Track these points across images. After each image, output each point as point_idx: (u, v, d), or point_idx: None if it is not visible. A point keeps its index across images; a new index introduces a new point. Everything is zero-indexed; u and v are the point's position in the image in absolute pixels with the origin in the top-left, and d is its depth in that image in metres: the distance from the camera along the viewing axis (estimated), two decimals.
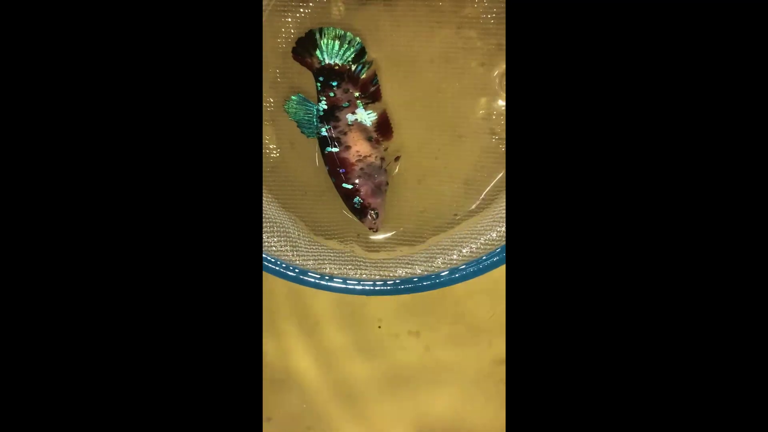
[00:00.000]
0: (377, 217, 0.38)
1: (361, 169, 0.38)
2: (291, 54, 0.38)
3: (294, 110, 0.38)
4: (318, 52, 0.37)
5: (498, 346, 0.43)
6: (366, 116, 0.38)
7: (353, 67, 0.38)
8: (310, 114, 0.38)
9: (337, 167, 0.38)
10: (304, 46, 0.38)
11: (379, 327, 0.43)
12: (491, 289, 0.43)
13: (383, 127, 0.38)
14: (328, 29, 0.37)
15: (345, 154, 0.37)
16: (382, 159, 0.38)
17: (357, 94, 0.38)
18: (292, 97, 0.38)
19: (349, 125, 0.38)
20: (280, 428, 0.44)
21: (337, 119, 0.38)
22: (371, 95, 0.38)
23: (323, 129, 0.37)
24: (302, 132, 0.38)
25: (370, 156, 0.38)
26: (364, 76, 0.38)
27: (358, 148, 0.38)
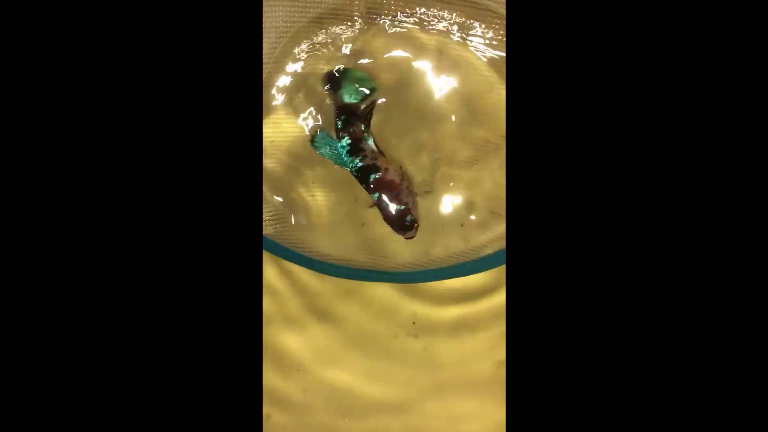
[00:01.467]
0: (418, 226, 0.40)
1: (407, 187, 0.40)
2: (323, 78, 0.41)
3: (321, 149, 0.40)
4: (342, 91, 0.41)
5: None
6: (372, 143, 0.41)
7: (362, 106, 0.41)
8: (335, 150, 0.40)
9: (389, 190, 0.39)
10: (335, 81, 0.41)
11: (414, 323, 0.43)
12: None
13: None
14: (352, 71, 0.41)
15: (389, 176, 0.39)
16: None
17: (363, 127, 0.41)
18: (317, 136, 0.41)
19: (373, 151, 0.40)
20: (280, 425, 0.44)
21: (363, 149, 0.40)
22: (368, 123, 0.41)
23: (357, 160, 0.39)
24: (339, 165, 0.40)
25: (405, 173, 0.40)
26: (365, 111, 0.41)
27: (390, 167, 0.40)
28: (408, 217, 0.39)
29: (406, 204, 0.39)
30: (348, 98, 0.41)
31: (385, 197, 0.39)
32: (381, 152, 0.40)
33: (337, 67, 0.41)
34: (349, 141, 0.40)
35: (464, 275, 0.39)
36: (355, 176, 0.40)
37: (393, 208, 0.39)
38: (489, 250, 0.39)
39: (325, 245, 0.41)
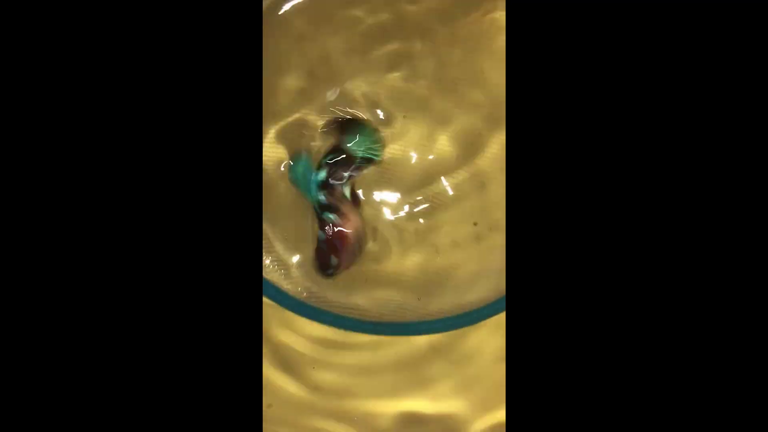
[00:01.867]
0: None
1: (354, 251, 0.39)
2: (330, 115, 0.41)
3: (296, 170, 0.40)
4: (350, 139, 0.40)
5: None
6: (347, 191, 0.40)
7: (358, 162, 0.40)
8: (308, 178, 0.40)
9: (334, 242, 0.39)
10: (343, 127, 0.40)
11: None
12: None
13: (355, 198, 0.41)
14: (370, 129, 0.41)
15: (344, 227, 0.39)
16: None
17: (345, 174, 0.40)
18: (301, 158, 0.40)
19: (341, 194, 0.40)
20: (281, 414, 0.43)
21: (333, 189, 0.40)
22: (351, 176, 0.40)
23: (321, 195, 0.39)
24: (301, 193, 0.40)
25: (360, 234, 0.40)
26: (360, 168, 0.40)
27: (353, 221, 0.39)
28: (330, 271, 0.39)
29: (340, 263, 0.39)
30: (353, 149, 0.40)
31: (328, 244, 0.38)
32: (354, 203, 0.40)
33: (355, 116, 0.41)
34: (325, 177, 0.39)
35: (463, 326, 0.38)
36: (315, 209, 0.39)
37: (329, 257, 0.39)
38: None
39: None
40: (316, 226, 0.39)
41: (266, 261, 0.40)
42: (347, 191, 0.40)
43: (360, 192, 0.41)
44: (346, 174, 0.40)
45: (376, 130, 0.41)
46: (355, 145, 0.40)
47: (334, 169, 0.40)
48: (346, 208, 0.39)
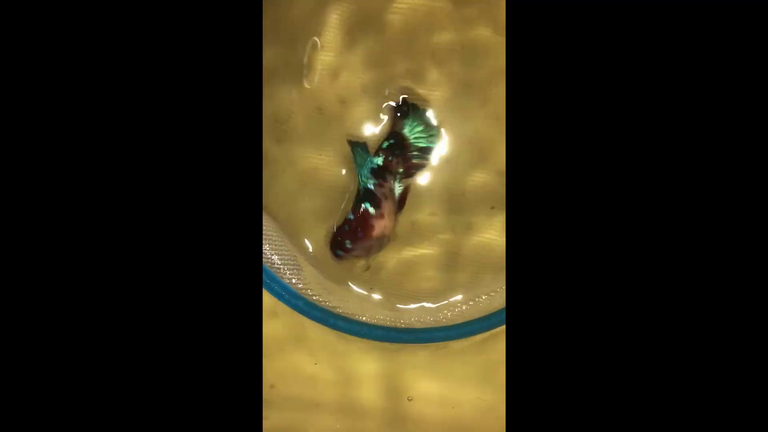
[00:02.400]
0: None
1: (371, 246, 0.40)
2: (395, 99, 0.41)
3: (358, 149, 0.41)
4: (406, 122, 0.41)
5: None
6: (397, 186, 0.41)
7: (414, 153, 0.41)
8: (365, 159, 0.41)
9: (358, 228, 0.39)
10: (403, 111, 0.41)
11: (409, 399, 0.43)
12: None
13: (402, 201, 0.41)
14: (424, 112, 0.41)
15: (374, 222, 0.39)
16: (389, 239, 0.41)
17: (401, 170, 0.41)
18: (362, 144, 0.41)
19: (390, 190, 0.40)
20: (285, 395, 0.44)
21: (384, 179, 0.40)
22: (408, 174, 0.41)
23: (371, 182, 0.40)
24: (355, 168, 0.41)
25: (385, 237, 0.40)
26: (414, 162, 0.41)
27: (386, 222, 0.40)
28: (339, 252, 0.39)
29: (353, 250, 0.39)
30: (407, 131, 0.41)
31: (351, 227, 0.39)
32: (399, 204, 0.40)
33: (413, 101, 0.41)
34: (380, 164, 0.40)
35: (467, 336, 0.40)
36: (358, 190, 0.40)
37: (345, 239, 0.39)
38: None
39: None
40: (350, 206, 0.40)
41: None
42: (398, 188, 0.40)
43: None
44: (401, 168, 0.40)
45: (426, 115, 0.41)
46: (408, 130, 0.41)
47: (390, 156, 0.40)
48: (386, 207, 0.39)
